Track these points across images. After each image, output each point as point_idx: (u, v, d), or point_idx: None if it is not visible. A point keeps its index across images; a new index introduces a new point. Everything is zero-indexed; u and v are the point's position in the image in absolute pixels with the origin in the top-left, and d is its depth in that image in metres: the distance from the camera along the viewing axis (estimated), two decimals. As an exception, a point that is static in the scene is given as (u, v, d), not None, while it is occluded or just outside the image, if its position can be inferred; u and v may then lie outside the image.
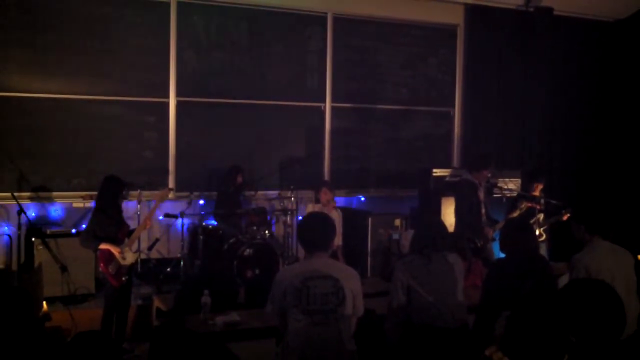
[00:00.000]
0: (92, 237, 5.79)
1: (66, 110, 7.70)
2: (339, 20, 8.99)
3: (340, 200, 8.76)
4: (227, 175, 7.97)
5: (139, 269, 7.52)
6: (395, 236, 7.39)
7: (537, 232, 7.59)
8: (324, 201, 7.74)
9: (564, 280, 4.97)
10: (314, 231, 3.98)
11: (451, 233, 6.82)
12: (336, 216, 7.62)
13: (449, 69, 9.72)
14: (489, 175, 7.47)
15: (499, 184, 7.89)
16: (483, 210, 7.33)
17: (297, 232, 4.37)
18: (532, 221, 7.56)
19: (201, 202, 8.26)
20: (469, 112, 9.70)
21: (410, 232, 6.61)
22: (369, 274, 7.92)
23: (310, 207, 7.87)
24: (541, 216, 7.78)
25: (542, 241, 7.78)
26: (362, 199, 9.25)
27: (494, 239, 7.17)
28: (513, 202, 7.62)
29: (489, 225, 7.31)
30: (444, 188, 8.18)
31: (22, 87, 7.51)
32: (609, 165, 10.09)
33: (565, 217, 7.48)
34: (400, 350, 4.37)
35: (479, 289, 4.65)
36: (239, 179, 7.94)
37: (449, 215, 7.64)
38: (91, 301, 6.80)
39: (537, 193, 7.69)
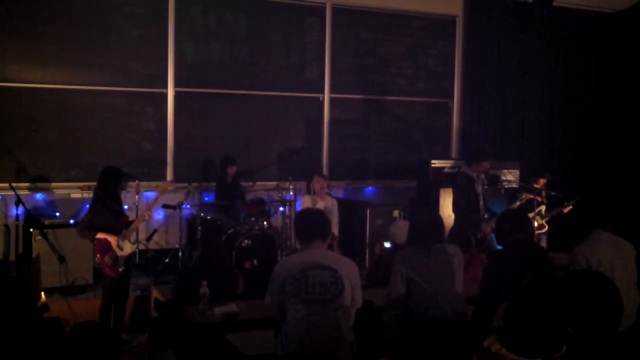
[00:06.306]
0: (88, 227, 5.77)
1: (64, 101, 7.69)
2: (337, 10, 8.96)
3: (339, 192, 8.77)
4: (219, 166, 7.97)
5: (137, 260, 7.52)
6: (387, 244, 7.35)
7: (538, 224, 7.60)
8: (318, 189, 7.74)
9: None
10: (311, 222, 3.98)
11: (452, 226, 6.83)
12: (331, 204, 7.61)
13: (448, 60, 9.70)
14: (488, 166, 7.45)
15: (500, 176, 7.88)
16: (481, 203, 7.32)
17: (294, 224, 4.36)
18: (533, 213, 7.57)
19: (200, 193, 8.25)
20: (467, 103, 9.69)
21: (401, 222, 6.58)
22: (367, 265, 7.92)
23: (307, 199, 7.85)
24: (543, 208, 7.78)
25: (543, 233, 7.79)
26: (365, 190, 9.24)
27: (492, 232, 7.16)
28: (514, 194, 7.62)
29: (488, 218, 7.30)
30: (443, 179, 8.17)
31: (20, 78, 7.50)
32: (609, 157, 10.08)
33: (567, 210, 7.47)
34: (399, 341, 4.36)
35: (479, 282, 4.64)
36: (231, 170, 7.91)
37: (447, 206, 7.63)
38: (89, 292, 6.81)
39: (539, 186, 7.68)
